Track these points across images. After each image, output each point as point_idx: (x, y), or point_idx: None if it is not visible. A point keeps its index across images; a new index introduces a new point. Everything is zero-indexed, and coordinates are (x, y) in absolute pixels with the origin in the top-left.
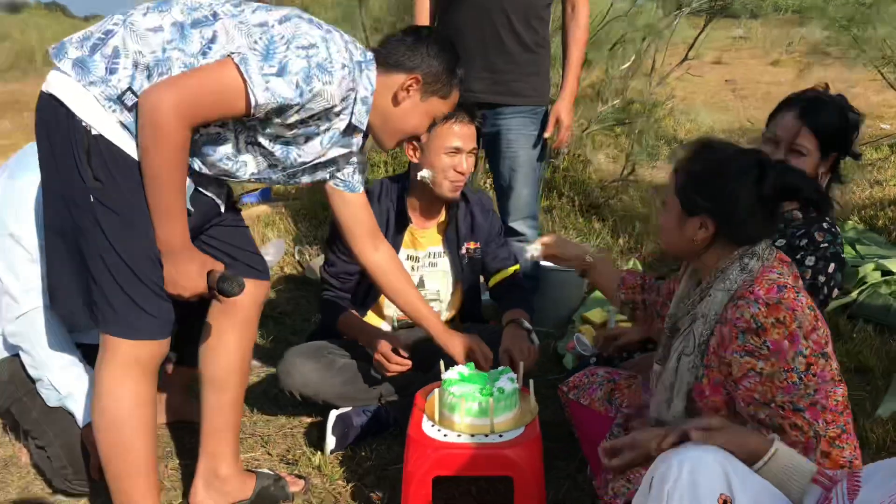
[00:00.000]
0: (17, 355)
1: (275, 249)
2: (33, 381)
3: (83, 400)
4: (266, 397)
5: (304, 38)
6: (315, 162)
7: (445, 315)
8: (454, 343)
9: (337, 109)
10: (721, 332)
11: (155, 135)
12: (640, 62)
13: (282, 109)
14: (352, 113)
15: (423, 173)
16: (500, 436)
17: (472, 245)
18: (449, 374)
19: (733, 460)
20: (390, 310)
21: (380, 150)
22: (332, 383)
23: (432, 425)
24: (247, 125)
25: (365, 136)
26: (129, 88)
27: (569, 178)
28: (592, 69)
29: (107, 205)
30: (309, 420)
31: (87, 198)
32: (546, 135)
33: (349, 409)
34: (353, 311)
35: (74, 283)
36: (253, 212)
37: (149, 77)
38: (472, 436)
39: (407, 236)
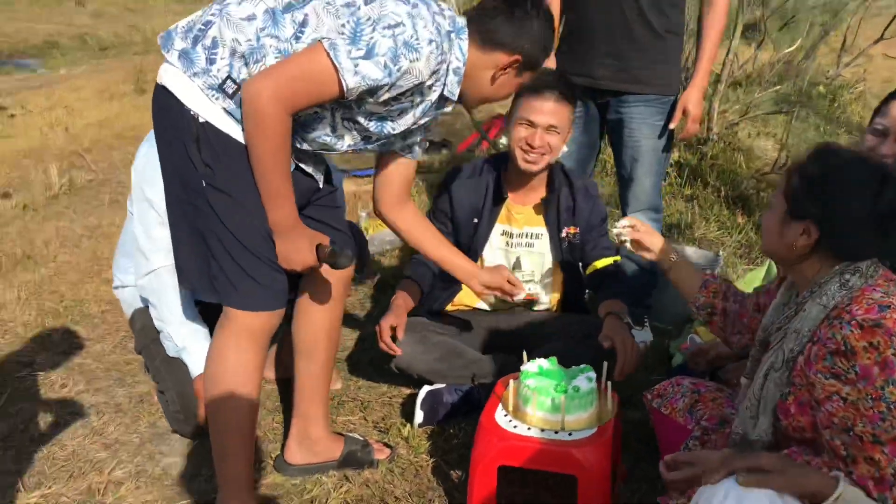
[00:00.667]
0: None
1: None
2: (158, 332)
3: (197, 353)
4: (372, 365)
5: (389, 17)
6: (406, 130)
7: (544, 299)
8: (473, 283)
9: (428, 83)
10: (811, 350)
11: (257, 123)
12: (824, 39)
13: (373, 90)
14: (444, 84)
15: (503, 140)
16: (570, 434)
17: (571, 230)
18: (527, 366)
19: (786, 496)
20: None
21: None
22: (426, 359)
23: (505, 415)
24: (343, 104)
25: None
26: (229, 77)
27: (717, 167)
28: (762, 49)
29: (217, 187)
30: (408, 392)
31: (200, 182)
32: (672, 125)
33: (442, 386)
34: (412, 281)
35: (195, 259)
36: (350, 189)
37: (246, 65)
38: (542, 430)
39: (503, 211)
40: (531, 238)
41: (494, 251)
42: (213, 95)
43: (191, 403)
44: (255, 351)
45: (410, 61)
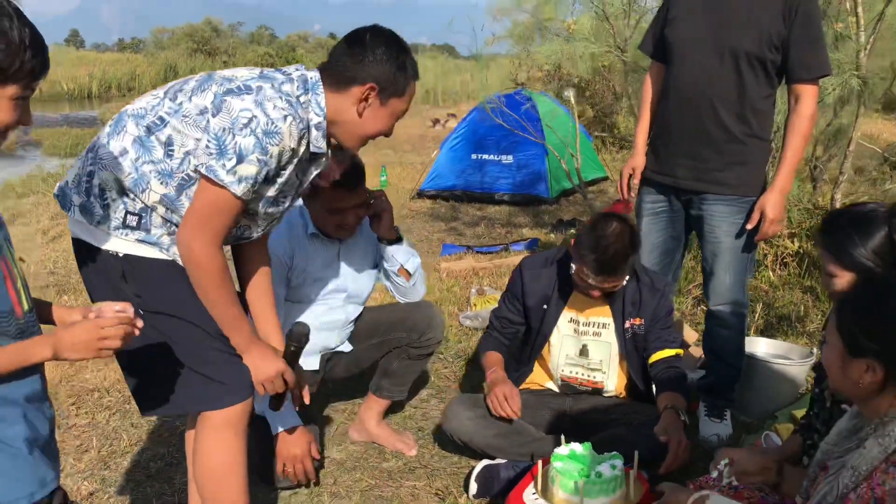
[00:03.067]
0: None
1: None
2: None
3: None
4: (445, 436)
5: (240, 117)
6: (296, 191)
7: (611, 386)
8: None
9: (297, 149)
10: (861, 491)
11: (198, 269)
12: None
13: (258, 182)
14: (309, 141)
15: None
16: None
17: (636, 321)
18: (560, 450)
19: None
20: (556, 369)
21: None
22: (485, 434)
23: (533, 493)
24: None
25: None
26: (126, 212)
27: None
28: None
29: (153, 311)
30: (475, 463)
31: (137, 312)
32: (749, 226)
33: (501, 461)
34: (496, 353)
35: (155, 386)
36: (469, 265)
37: (135, 198)
38: None
39: (571, 299)
40: (598, 327)
41: (563, 336)
42: (121, 234)
43: (268, 456)
44: (236, 436)
45: (277, 144)
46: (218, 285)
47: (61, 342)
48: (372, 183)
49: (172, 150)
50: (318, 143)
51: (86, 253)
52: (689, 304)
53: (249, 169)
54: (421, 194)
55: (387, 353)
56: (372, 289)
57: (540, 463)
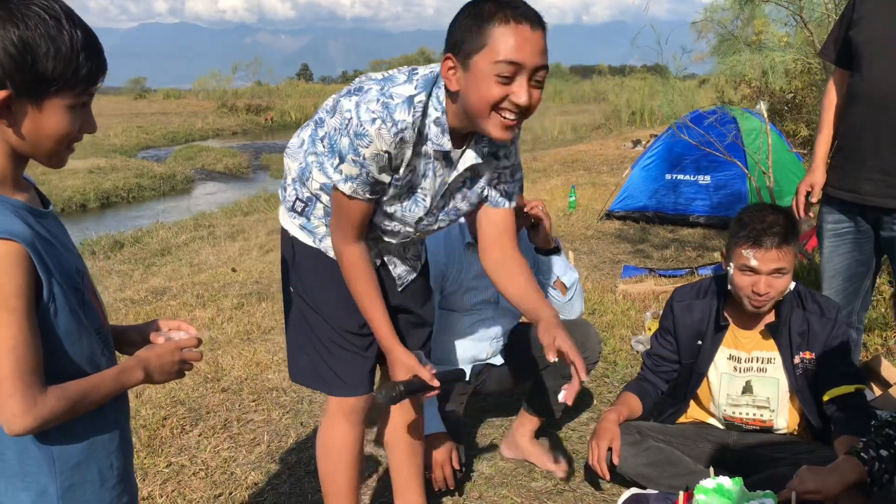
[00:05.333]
0: None
1: None
2: None
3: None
4: None
5: (344, 117)
6: (441, 197)
7: (781, 424)
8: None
9: (395, 152)
10: None
11: (344, 267)
12: None
13: (366, 182)
14: (428, 139)
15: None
16: None
17: (807, 355)
18: (706, 482)
19: None
20: (719, 409)
21: None
22: (635, 462)
23: None
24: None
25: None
26: (297, 198)
27: None
28: None
29: (299, 294)
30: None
31: (289, 290)
32: None
33: (652, 492)
34: (632, 395)
35: (300, 356)
36: (649, 288)
37: (303, 184)
38: None
39: (728, 335)
40: (762, 363)
41: (720, 375)
42: (292, 217)
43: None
44: (349, 425)
45: (366, 147)
46: (353, 279)
47: (150, 365)
48: (561, 204)
49: (324, 146)
50: (439, 140)
51: (282, 231)
52: (894, 341)
53: (351, 169)
54: (610, 215)
55: (542, 370)
56: None
57: (682, 496)
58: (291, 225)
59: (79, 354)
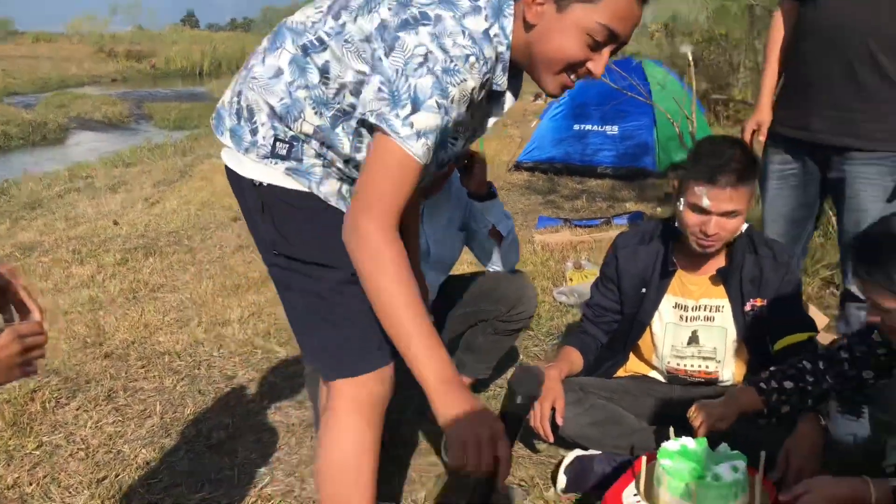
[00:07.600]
0: None
1: None
2: None
3: None
4: None
5: (415, 55)
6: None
7: (727, 376)
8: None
9: (478, 96)
10: None
11: (376, 263)
12: None
13: (439, 137)
14: (493, 78)
15: (677, 222)
16: None
17: (758, 302)
18: (669, 444)
19: None
20: (661, 361)
21: None
22: (578, 422)
23: (635, 494)
24: None
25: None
26: (276, 139)
27: None
28: None
29: (289, 255)
30: (565, 453)
31: (271, 253)
32: None
33: (595, 453)
34: (572, 350)
35: (301, 331)
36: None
37: (287, 126)
38: None
39: (675, 282)
40: (710, 311)
41: (665, 325)
42: (273, 163)
43: None
44: (366, 426)
45: (457, 85)
46: (380, 275)
47: None
48: None
49: (328, 78)
50: (499, 79)
51: (235, 183)
52: (817, 286)
53: (428, 120)
54: (518, 167)
55: (472, 327)
56: (458, 255)
57: (644, 459)
58: (271, 173)
59: None
